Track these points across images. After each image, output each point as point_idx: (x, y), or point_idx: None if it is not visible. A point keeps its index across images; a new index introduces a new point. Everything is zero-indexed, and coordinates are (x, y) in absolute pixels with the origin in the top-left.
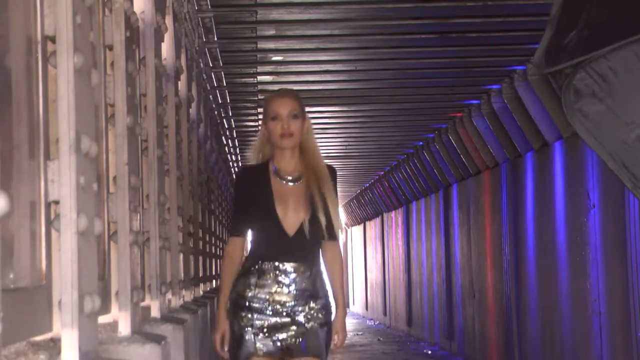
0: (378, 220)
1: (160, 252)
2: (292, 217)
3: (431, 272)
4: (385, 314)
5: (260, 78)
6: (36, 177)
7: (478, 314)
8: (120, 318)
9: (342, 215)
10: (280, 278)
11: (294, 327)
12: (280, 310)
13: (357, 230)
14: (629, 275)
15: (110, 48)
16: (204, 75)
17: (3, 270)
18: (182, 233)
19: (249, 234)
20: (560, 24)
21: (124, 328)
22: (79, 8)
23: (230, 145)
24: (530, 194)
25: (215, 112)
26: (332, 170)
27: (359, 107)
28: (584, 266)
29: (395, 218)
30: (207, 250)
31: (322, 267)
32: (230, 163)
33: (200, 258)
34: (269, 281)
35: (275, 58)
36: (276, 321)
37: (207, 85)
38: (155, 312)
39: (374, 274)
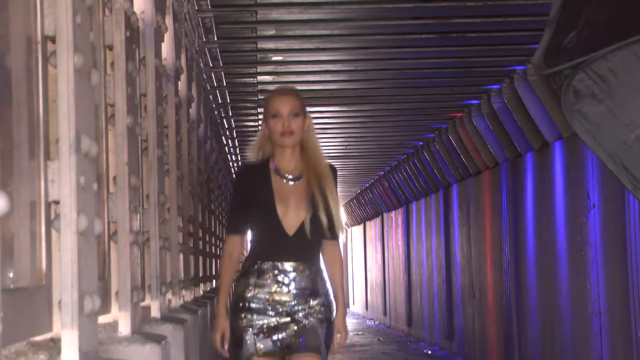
0: (378, 220)
1: (160, 252)
2: (292, 217)
3: (431, 272)
4: (385, 314)
5: (260, 78)
6: (36, 177)
7: (478, 314)
8: (120, 318)
9: (342, 215)
10: (279, 278)
11: (293, 326)
12: (281, 310)
13: (357, 230)
14: (629, 275)
15: (110, 48)
16: (204, 75)
17: (3, 270)
18: (182, 233)
19: (248, 233)
20: (560, 24)
21: (124, 328)
22: (79, 8)
23: (230, 145)
24: (530, 194)
25: (215, 112)
26: (332, 169)
27: (359, 107)
28: (584, 266)
29: (395, 218)
30: (207, 250)
31: (322, 265)
32: (230, 163)
33: (200, 258)
34: (269, 281)
35: (275, 58)
36: (276, 321)
37: (207, 85)
38: (155, 312)
39: (374, 274)
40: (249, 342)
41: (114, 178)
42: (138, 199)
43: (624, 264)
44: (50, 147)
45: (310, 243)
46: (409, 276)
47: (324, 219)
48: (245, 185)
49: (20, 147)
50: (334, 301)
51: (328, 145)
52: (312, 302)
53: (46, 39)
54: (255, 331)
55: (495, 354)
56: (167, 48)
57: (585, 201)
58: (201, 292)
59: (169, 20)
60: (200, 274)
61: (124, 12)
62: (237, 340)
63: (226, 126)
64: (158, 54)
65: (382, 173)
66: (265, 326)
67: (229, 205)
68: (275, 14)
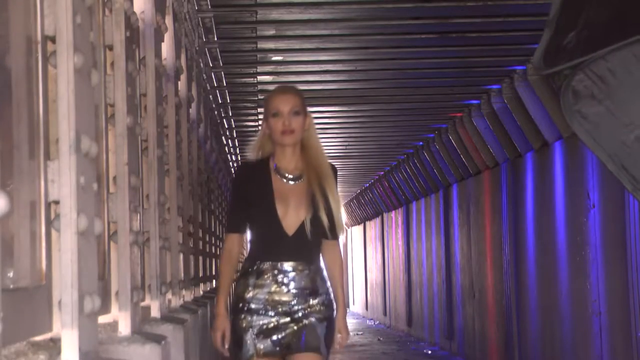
0: (378, 220)
1: (160, 252)
2: (292, 217)
3: (431, 272)
4: (385, 314)
5: (260, 78)
6: (36, 177)
7: (478, 314)
8: (120, 318)
9: (343, 215)
10: (279, 278)
11: (293, 326)
12: (280, 310)
13: (357, 230)
14: (629, 275)
15: (110, 48)
16: (204, 75)
17: (3, 270)
18: (182, 233)
19: (247, 231)
20: (559, 25)
21: (124, 328)
22: (79, 8)
23: (230, 145)
24: (530, 194)
25: (215, 112)
26: (333, 169)
27: (359, 107)
28: (584, 266)
29: (395, 218)
30: (207, 250)
31: (322, 265)
32: (230, 163)
33: (200, 258)
34: (268, 281)
35: (275, 58)
36: (276, 321)
37: (207, 85)
38: (155, 312)
39: (374, 274)
40: (249, 342)
41: (114, 178)
42: (138, 199)
43: (624, 264)
44: (50, 147)
45: (310, 243)
46: (409, 276)
47: (324, 219)
48: (245, 184)
49: (20, 147)
50: (334, 300)
51: (328, 145)
52: (312, 302)
53: (46, 39)
54: (256, 332)
55: (495, 354)
56: (167, 48)
57: (585, 201)
58: (201, 292)
59: (169, 20)
60: (200, 274)
61: (124, 12)
62: (237, 340)
63: (226, 126)
64: (158, 54)
65: (382, 173)
66: (265, 326)
67: (229, 203)
68: (275, 14)
